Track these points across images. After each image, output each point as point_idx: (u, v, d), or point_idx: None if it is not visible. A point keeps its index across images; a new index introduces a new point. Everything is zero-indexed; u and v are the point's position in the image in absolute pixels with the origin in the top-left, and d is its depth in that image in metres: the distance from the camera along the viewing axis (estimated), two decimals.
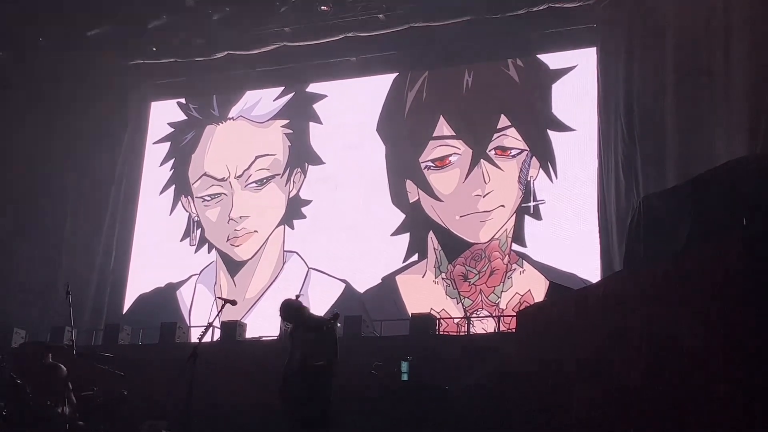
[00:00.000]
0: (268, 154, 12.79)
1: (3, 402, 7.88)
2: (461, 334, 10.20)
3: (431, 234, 11.58)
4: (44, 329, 11.00)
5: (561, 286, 8.01)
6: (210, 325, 6.86)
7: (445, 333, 10.21)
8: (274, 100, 13.05)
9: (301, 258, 12.16)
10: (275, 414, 7.37)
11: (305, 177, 12.53)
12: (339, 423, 7.15)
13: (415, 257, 11.57)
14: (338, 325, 7.55)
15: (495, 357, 8.03)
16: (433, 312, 10.35)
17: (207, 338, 9.38)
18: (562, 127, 11.29)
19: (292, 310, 7.36)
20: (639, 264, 6.87)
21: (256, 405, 8.72)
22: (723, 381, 5.42)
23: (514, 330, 8.69)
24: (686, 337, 5.87)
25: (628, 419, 6.25)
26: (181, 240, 12.87)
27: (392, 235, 11.73)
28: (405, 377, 8.02)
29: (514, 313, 9.30)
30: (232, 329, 10.19)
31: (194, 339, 9.84)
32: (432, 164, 11.83)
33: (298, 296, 7.99)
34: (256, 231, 12.49)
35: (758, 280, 5.49)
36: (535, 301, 10.29)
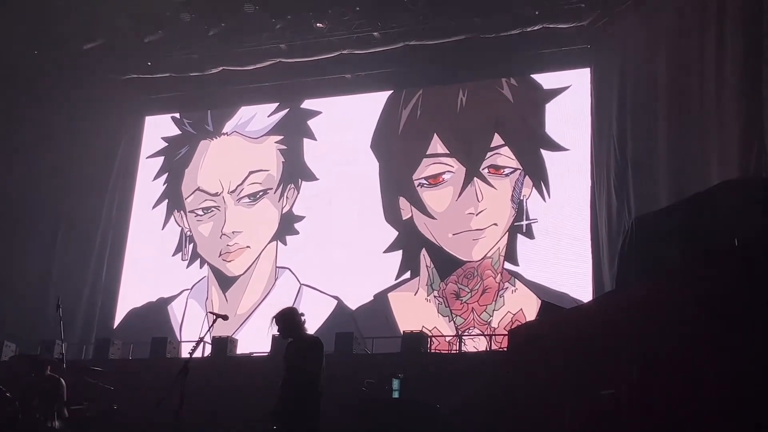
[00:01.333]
0: (261, 170, 12.80)
1: None
2: (453, 352, 10.19)
3: (424, 251, 11.59)
4: (34, 343, 10.93)
5: (552, 305, 8.00)
6: (201, 339, 6.81)
7: (437, 351, 10.20)
8: (268, 116, 13.09)
9: (293, 274, 12.15)
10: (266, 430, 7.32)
11: (298, 193, 12.54)
12: None
13: (407, 275, 11.58)
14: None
15: (486, 375, 8.02)
16: (425, 330, 10.34)
17: (198, 353, 9.39)
18: (555, 146, 11.34)
19: (291, 317, 7.23)
20: (630, 284, 6.89)
21: (247, 421, 8.68)
22: (715, 399, 5.43)
23: (505, 349, 8.69)
24: (677, 356, 5.88)
25: None
26: (173, 254, 12.85)
27: (385, 252, 11.74)
28: (396, 394, 8.01)
29: (506, 332, 9.30)
30: (223, 345, 10.16)
31: (185, 354, 9.78)
32: (425, 182, 11.86)
33: (302, 314, 7.79)
34: (248, 246, 12.48)
35: (750, 300, 5.52)
36: (527, 320, 10.29)
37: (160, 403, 6.05)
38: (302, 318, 7.39)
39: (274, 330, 7.27)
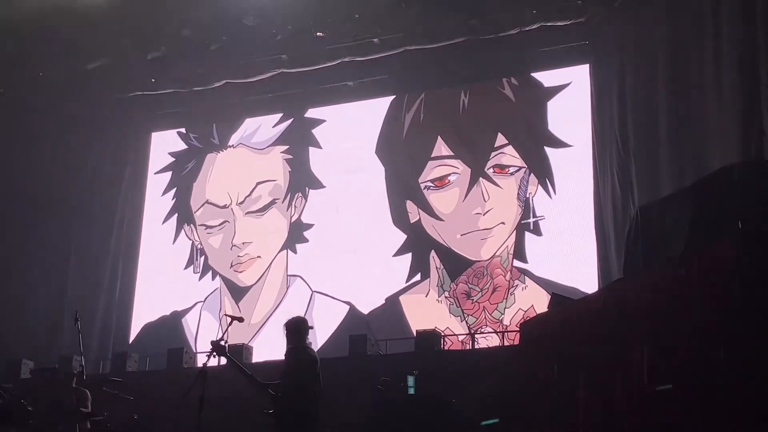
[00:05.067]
0: (268, 180, 12.92)
1: (13, 430, 7.93)
2: (466, 349, 10.28)
3: (433, 253, 11.68)
4: (52, 360, 11.05)
5: (562, 296, 8.10)
6: (219, 341, 6.95)
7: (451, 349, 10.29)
8: (273, 127, 13.21)
9: (305, 282, 12.25)
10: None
11: (306, 201, 12.65)
12: None
13: (417, 277, 11.67)
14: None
15: (499, 370, 8.10)
16: (437, 330, 10.43)
17: (214, 362, 9.49)
18: (558, 143, 11.43)
19: (300, 326, 7.41)
20: (637, 272, 6.97)
21: (265, 427, 8.78)
22: (725, 385, 5.49)
23: (517, 344, 8.78)
24: (687, 341, 5.95)
25: (633, 427, 6.31)
26: (185, 268, 12.97)
27: (394, 255, 11.83)
28: (411, 391, 8.11)
29: (518, 328, 9.37)
30: (238, 352, 10.24)
31: (202, 363, 9.89)
32: (431, 184, 11.96)
33: (311, 326, 7.93)
34: (259, 256, 12.59)
35: (757, 283, 5.59)
36: None
37: (180, 406, 6.16)
38: (309, 329, 7.52)
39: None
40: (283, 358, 9.88)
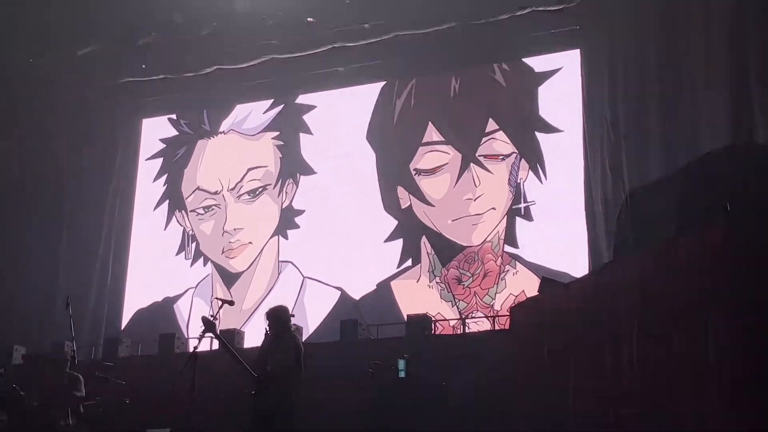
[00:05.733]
0: (259, 166, 12.91)
1: (5, 415, 7.95)
2: (457, 334, 10.32)
3: (424, 239, 11.70)
4: (43, 346, 11.07)
5: (552, 280, 8.14)
6: (211, 318, 7.00)
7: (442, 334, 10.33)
8: (264, 113, 13.18)
9: (296, 267, 12.27)
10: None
11: (297, 187, 12.65)
12: (339, 421, 7.27)
13: (408, 262, 11.69)
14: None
15: (490, 353, 8.15)
16: (428, 315, 10.45)
17: (206, 347, 9.52)
18: (549, 128, 11.44)
19: (281, 314, 7.51)
20: (627, 255, 7.01)
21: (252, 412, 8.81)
22: (714, 366, 5.54)
23: (508, 328, 8.83)
24: (675, 323, 6.00)
25: (623, 408, 6.37)
26: (177, 254, 12.96)
27: (385, 241, 11.84)
28: (402, 374, 8.15)
29: (508, 312, 9.42)
30: (230, 337, 10.25)
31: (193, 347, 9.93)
32: (422, 170, 11.97)
33: (293, 315, 8.07)
34: (250, 242, 12.60)
35: (744, 265, 5.64)
36: None
37: (173, 388, 6.19)
38: (291, 317, 7.64)
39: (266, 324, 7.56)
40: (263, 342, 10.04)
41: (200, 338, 6.89)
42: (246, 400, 8.48)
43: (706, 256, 5.78)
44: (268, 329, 7.51)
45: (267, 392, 7.01)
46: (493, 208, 11.41)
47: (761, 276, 5.41)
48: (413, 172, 11.99)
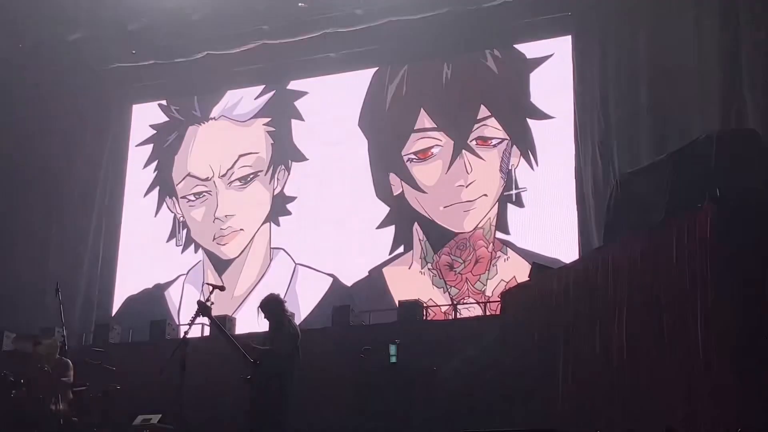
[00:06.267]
0: (251, 153, 12.87)
1: None
2: (449, 319, 10.35)
3: (416, 225, 11.69)
4: (33, 332, 11.02)
5: (542, 265, 8.17)
6: (205, 301, 7.00)
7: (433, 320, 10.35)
8: (255, 99, 13.13)
9: (288, 254, 12.26)
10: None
11: (289, 174, 12.62)
12: (331, 406, 7.29)
13: (401, 249, 11.68)
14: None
15: (482, 337, 8.18)
16: (419, 301, 10.47)
17: (197, 333, 9.53)
18: (541, 115, 11.43)
19: (271, 303, 7.56)
20: (616, 240, 7.04)
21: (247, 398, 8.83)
22: (703, 350, 5.58)
23: (499, 313, 8.86)
24: (665, 308, 6.03)
25: (612, 392, 6.41)
26: (168, 241, 12.93)
27: (377, 228, 11.83)
28: (393, 359, 8.18)
29: (500, 299, 9.44)
30: (222, 324, 10.24)
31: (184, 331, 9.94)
32: (414, 156, 11.96)
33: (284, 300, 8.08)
34: (241, 229, 12.57)
35: (734, 249, 5.66)
36: None
37: (163, 372, 6.21)
38: (283, 302, 7.72)
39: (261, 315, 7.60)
40: (266, 330, 10.06)
41: (191, 323, 6.88)
42: (238, 385, 8.52)
43: (694, 240, 5.80)
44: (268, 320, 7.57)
45: (263, 377, 7.02)
46: (485, 195, 11.41)
47: (748, 260, 5.45)
48: (405, 159, 11.98)
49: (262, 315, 7.62)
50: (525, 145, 11.40)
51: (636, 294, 6.26)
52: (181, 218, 12.97)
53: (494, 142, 11.61)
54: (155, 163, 13.44)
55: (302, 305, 11.66)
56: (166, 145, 13.44)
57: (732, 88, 8.44)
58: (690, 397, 5.54)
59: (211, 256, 12.61)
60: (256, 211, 12.58)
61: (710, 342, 5.55)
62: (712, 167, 6.37)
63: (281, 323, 7.46)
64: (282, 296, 7.91)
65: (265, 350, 7.16)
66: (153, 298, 12.60)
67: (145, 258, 12.94)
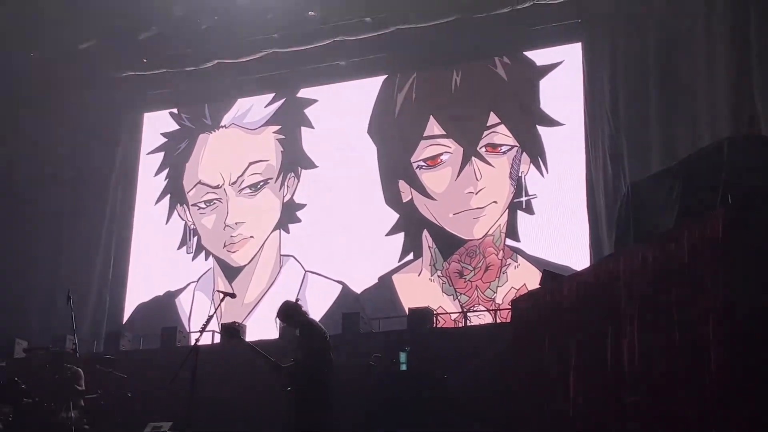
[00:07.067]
0: (261, 160, 12.91)
1: (8, 408, 7.97)
2: (458, 327, 10.33)
3: (425, 232, 11.70)
4: (45, 340, 11.08)
5: (553, 273, 8.13)
6: (211, 317, 6.99)
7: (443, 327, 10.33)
8: (265, 107, 13.18)
9: (298, 261, 12.28)
10: (277, 413, 7.54)
11: (299, 181, 12.65)
12: (340, 413, 7.28)
13: (410, 256, 11.69)
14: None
15: (492, 346, 8.15)
16: (429, 308, 10.45)
17: (207, 340, 9.54)
18: (550, 122, 11.43)
19: (287, 311, 7.59)
20: (628, 247, 7.00)
21: (258, 404, 8.86)
22: (715, 356, 5.54)
23: (509, 321, 8.82)
24: (677, 314, 5.99)
25: (625, 401, 6.37)
26: (178, 248, 12.98)
27: (387, 235, 11.84)
28: (403, 367, 8.16)
29: (510, 307, 9.41)
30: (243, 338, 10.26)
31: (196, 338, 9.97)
32: (424, 164, 11.97)
33: (297, 299, 8.17)
34: (251, 236, 12.60)
35: (745, 256, 5.63)
36: None
37: (173, 380, 6.21)
38: (299, 305, 7.79)
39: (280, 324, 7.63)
40: (276, 337, 10.09)
41: (201, 331, 6.89)
42: (248, 393, 8.55)
43: (706, 246, 5.77)
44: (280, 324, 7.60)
45: (300, 385, 7.05)
46: (495, 202, 11.40)
47: (761, 265, 5.41)
48: (414, 166, 11.99)
49: (284, 325, 7.65)
50: (535, 152, 11.40)
51: (648, 301, 6.22)
52: (192, 225, 13.01)
53: (504, 149, 11.61)
54: (166, 170, 13.50)
55: (312, 312, 11.55)
56: (177, 152, 13.49)
57: (743, 95, 8.40)
58: (704, 404, 5.50)
59: (222, 264, 12.64)
60: (266, 219, 12.62)
61: (723, 349, 5.51)
62: (724, 172, 6.33)
63: (304, 327, 7.47)
64: (294, 301, 7.93)
65: (296, 362, 7.18)
66: (164, 306, 12.64)
67: (156, 265, 12.99)
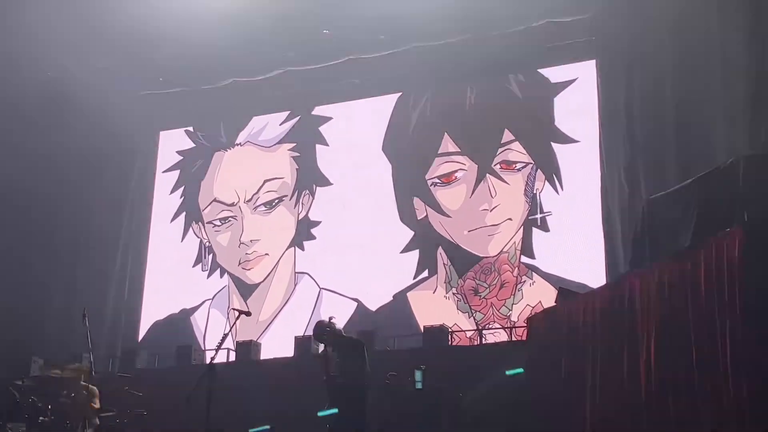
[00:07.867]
0: (276, 178, 12.96)
1: (24, 426, 7.99)
2: (474, 345, 10.30)
3: (440, 250, 11.69)
4: (61, 358, 11.10)
5: (569, 291, 8.11)
6: (226, 335, 7.01)
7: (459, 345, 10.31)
8: (280, 125, 13.25)
9: (313, 279, 12.28)
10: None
11: (314, 198, 12.68)
12: None
13: (425, 273, 11.68)
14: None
15: (507, 364, 8.12)
16: (445, 326, 10.44)
17: (222, 358, 9.55)
18: (565, 139, 11.42)
19: (322, 330, 7.66)
20: (645, 265, 6.98)
21: (274, 423, 8.85)
22: (733, 376, 5.50)
23: (525, 339, 8.79)
24: (694, 334, 5.96)
25: (642, 419, 6.33)
26: (194, 266, 13.02)
27: (402, 252, 11.84)
28: (419, 385, 8.14)
29: (525, 323, 9.38)
30: (247, 349, 10.29)
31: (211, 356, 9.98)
32: (438, 181, 11.97)
33: (331, 318, 8.21)
34: (267, 254, 12.63)
35: (762, 274, 5.60)
36: None
37: (189, 399, 6.22)
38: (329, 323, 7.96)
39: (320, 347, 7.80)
40: (291, 354, 10.13)
41: (217, 349, 6.90)
42: (263, 411, 8.55)
43: (722, 264, 5.75)
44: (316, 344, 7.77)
45: (344, 402, 7.27)
46: (510, 219, 11.38)
47: None
48: (429, 183, 12.00)
49: (323, 346, 7.80)
50: (550, 169, 11.38)
51: (664, 319, 6.20)
52: (207, 243, 13.06)
53: (519, 166, 11.60)
54: (182, 188, 13.58)
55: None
56: (192, 170, 13.57)
57: (759, 113, 8.36)
58: (721, 425, 5.46)
59: (237, 281, 12.67)
60: (281, 236, 12.64)
61: (739, 367, 5.48)
62: (740, 190, 6.31)
63: (339, 343, 7.54)
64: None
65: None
66: (179, 323, 12.67)
67: (172, 283, 13.03)
